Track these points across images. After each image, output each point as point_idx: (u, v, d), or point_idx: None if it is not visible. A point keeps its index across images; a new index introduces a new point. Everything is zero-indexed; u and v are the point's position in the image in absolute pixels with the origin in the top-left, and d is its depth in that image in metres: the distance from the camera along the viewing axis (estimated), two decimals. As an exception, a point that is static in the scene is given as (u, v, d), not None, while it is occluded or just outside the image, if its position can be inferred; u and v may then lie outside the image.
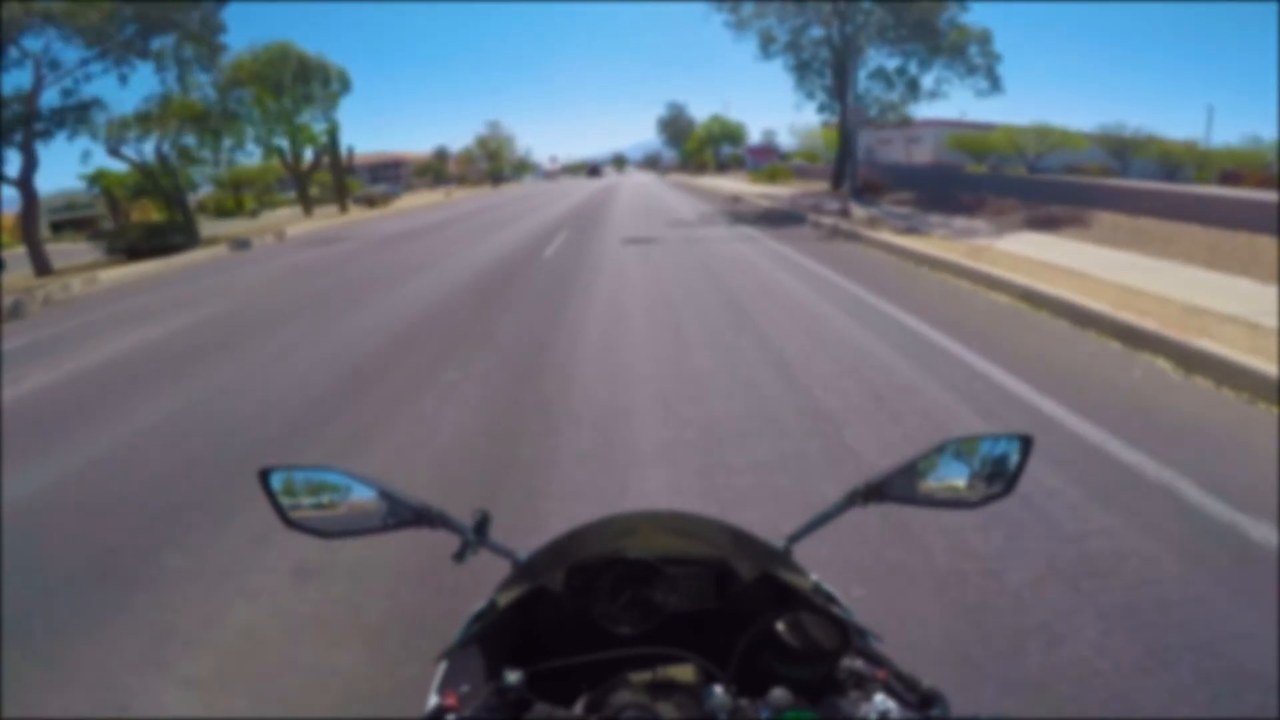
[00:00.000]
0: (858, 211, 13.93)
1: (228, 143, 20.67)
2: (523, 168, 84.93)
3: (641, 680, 0.68)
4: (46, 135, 14.11)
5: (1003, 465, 0.92)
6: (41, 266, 14.52)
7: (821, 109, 21.43)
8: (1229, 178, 25.36)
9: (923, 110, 23.03)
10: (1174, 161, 30.48)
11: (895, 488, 0.92)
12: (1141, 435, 3.22)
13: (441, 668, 0.86)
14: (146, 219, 23.76)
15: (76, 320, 8.74)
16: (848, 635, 0.71)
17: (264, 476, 0.88)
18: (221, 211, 40.70)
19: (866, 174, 19.85)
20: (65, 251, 20.14)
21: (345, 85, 25.26)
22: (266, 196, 45.15)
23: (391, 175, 68.92)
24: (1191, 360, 4.23)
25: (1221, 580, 2.19)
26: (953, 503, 0.93)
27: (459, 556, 0.93)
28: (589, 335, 5.63)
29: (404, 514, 0.89)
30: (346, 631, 2.18)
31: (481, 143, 72.01)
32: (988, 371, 4.26)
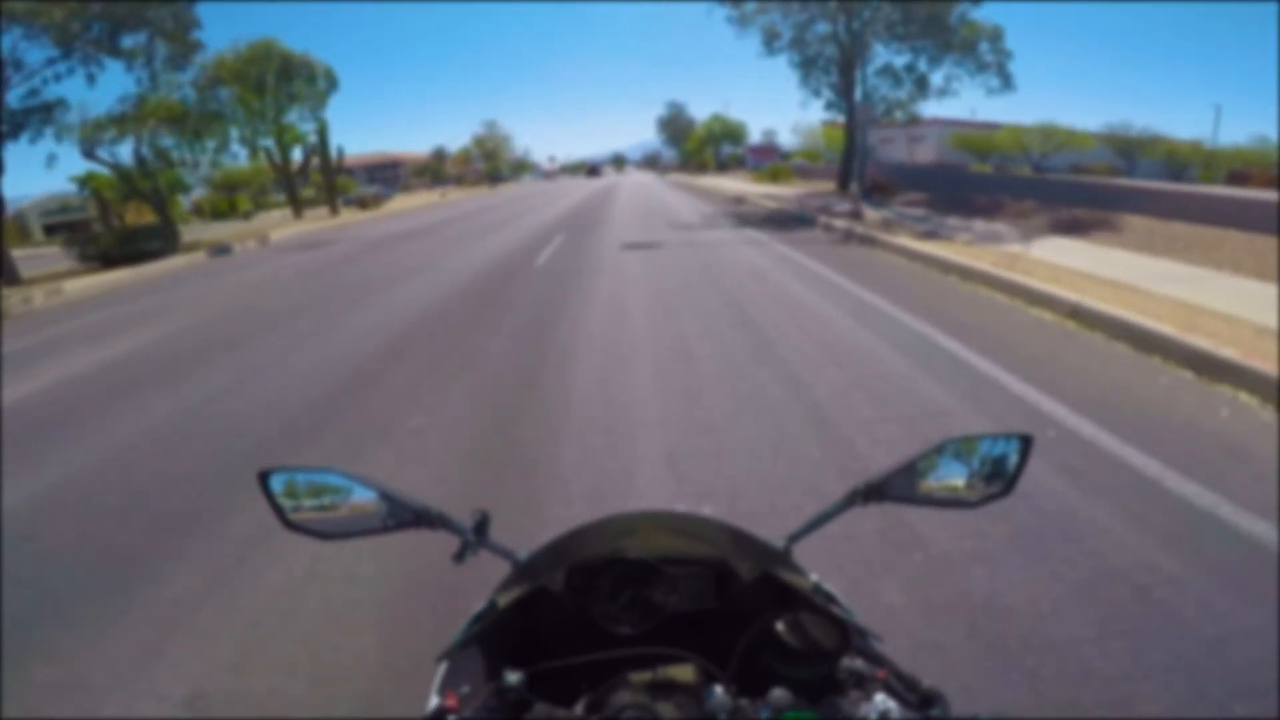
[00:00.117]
0: (869, 213, 13.22)
1: (211, 144, 19.89)
2: (521, 168, 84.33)
3: (641, 680, 0.67)
4: (12, 138, 13.30)
5: (1002, 465, 0.92)
6: (10, 275, 13.75)
7: (829, 106, 20.71)
8: (1237, 178, 25.12)
9: (930, 108, 22.48)
10: (1180, 161, 30.29)
11: (895, 487, 0.91)
12: (1255, 496, 2.62)
13: (442, 668, 0.87)
14: (141, 221, 22.97)
15: (28, 339, 7.98)
16: (848, 635, 0.71)
17: (263, 478, 0.88)
18: (217, 214, 40.12)
19: (874, 173, 19.17)
20: (48, 257, 19.33)
21: (332, 83, 24.35)
22: (262, 198, 44.44)
23: (390, 176, 68.25)
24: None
25: None
26: (952, 502, 0.92)
27: (459, 557, 0.93)
28: (582, 368, 4.87)
29: (404, 515, 0.89)
30: None
31: (478, 142, 71.22)
32: (1056, 413, 3.57)
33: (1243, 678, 1.78)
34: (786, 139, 56.62)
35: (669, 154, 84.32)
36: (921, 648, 1.94)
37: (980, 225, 11.72)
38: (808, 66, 20.79)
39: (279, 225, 24.36)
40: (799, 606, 0.76)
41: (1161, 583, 2.16)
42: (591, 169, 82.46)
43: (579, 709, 0.67)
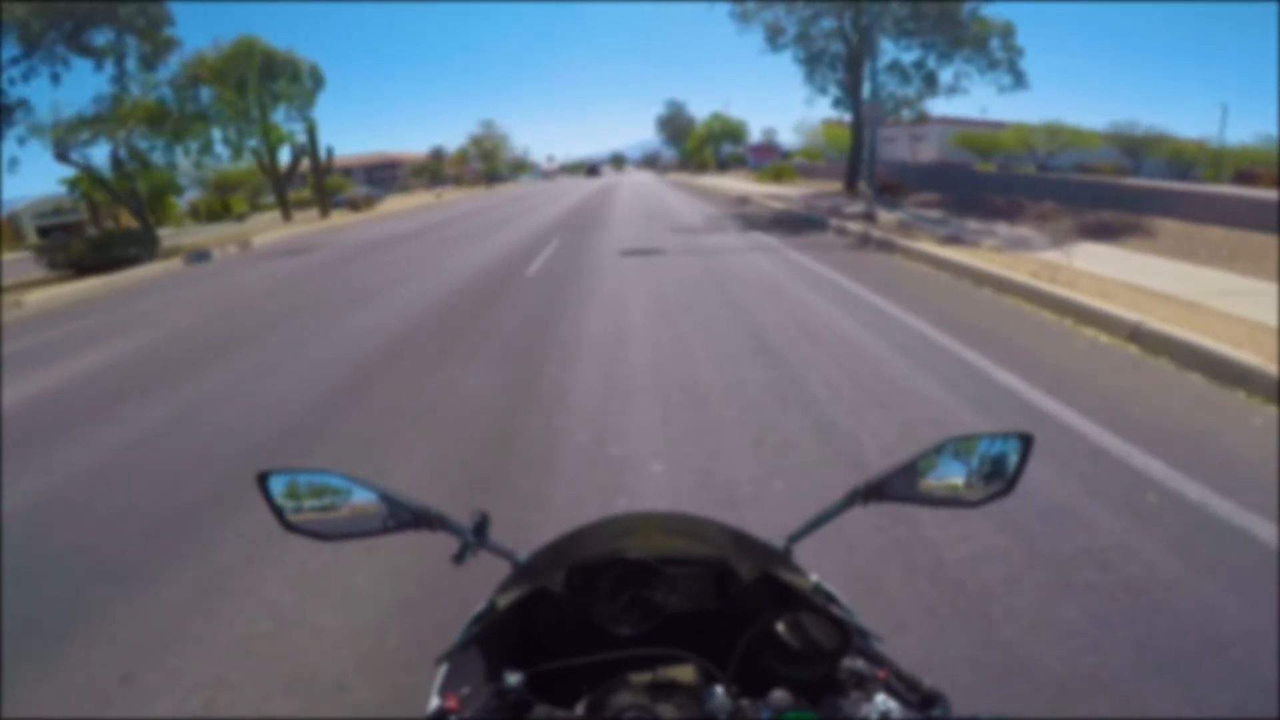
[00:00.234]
0: (883, 215, 12.50)
1: (195, 145, 19.09)
2: (520, 167, 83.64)
3: (642, 681, 0.67)
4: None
5: (1001, 464, 0.91)
6: (-23, 284, 13.02)
7: (836, 104, 20.03)
8: (1244, 177, 24.83)
9: (939, 106, 21.87)
10: (1186, 160, 30.08)
11: (895, 487, 0.90)
12: None
13: (442, 670, 0.87)
14: (134, 224, 22.14)
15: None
16: (848, 635, 0.70)
17: (262, 480, 0.87)
18: (213, 215, 39.45)
19: (881, 173, 18.50)
20: (29, 263, 18.52)
21: (319, 81, 23.43)
22: (258, 200, 43.70)
23: (388, 176, 67.53)
24: None
25: None
26: (952, 502, 0.91)
27: (458, 558, 0.93)
28: (573, 415, 4.09)
29: (404, 516, 0.89)
30: None
31: (476, 142, 70.34)
32: (1150, 470, 2.93)
33: None
34: (787, 138, 56.07)
35: (668, 153, 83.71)
36: None
37: (1003, 229, 11.01)
38: (813, 63, 20.14)
39: (265, 229, 23.54)
40: (799, 607, 0.76)
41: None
42: (591, 169, 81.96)
43: (579, 710, 0.66)
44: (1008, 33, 20.05)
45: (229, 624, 2.32)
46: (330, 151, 29.50)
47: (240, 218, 37.54)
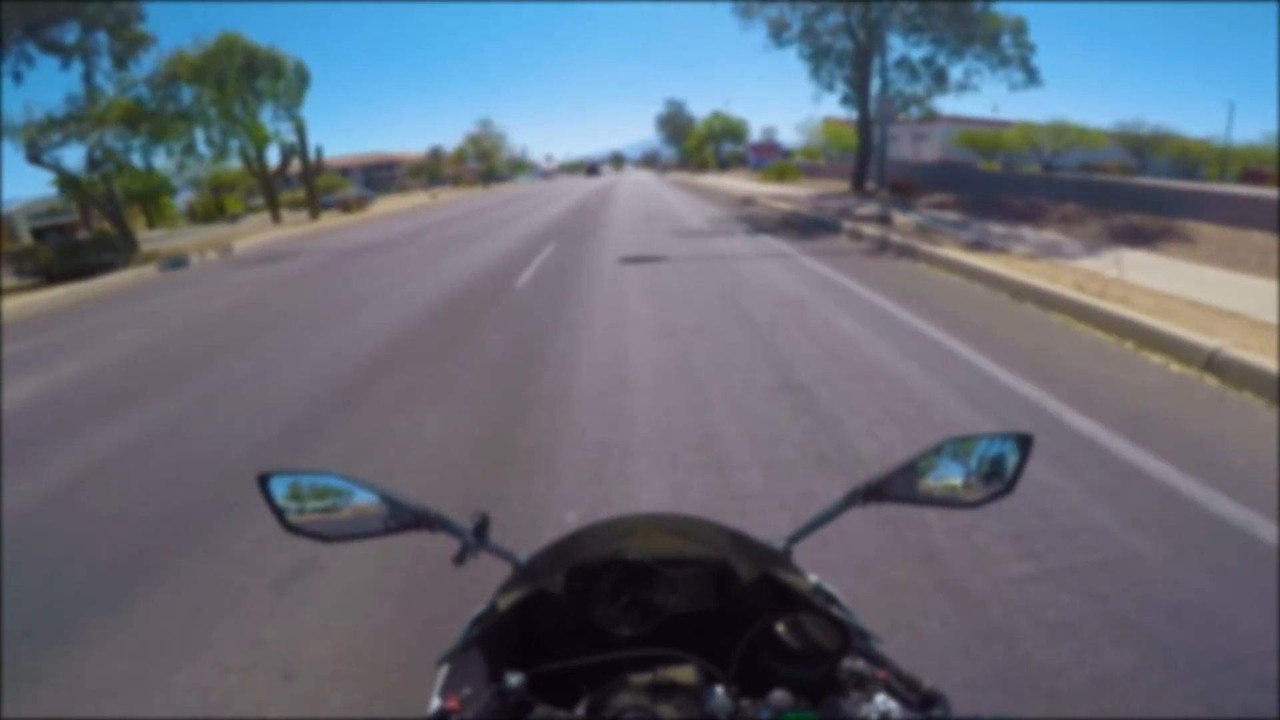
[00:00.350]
0: (898, 217, 11.80)
1: (178, 146, 18.32)
2: (519, 167, 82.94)
3: (642, 682, 0.67)
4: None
5: (1000, 465, 0.89)
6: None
7: (845, 101, 19.35)
8: (1252, 176, 24.36)
9: (949, 104, 21.22)
10: (1193, 159, 29.75)
11: (895, 487, 0.89)
12: None
13: (443, 671, 0.86)
14: (130, 225, 21.38)
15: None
16: (848, 636, 0.69)
17: (263, 481, 0.86)
18: (208, 217, 38.79)
19: (892, 173, 17.82)
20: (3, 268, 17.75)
21: (304, 78, 22.55)
22: (252, 201, 42.95)
23: (386, 176, 66.87)
24: None
25: None
26: (952, 502, 0.90)
27: (459, 559, 0.92)
28: (562, 470, 3.39)
29: (404, 517, 0.89)
30: None
31: (473, 141, 69.53)
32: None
33: None
34: (788, 136, 55.45)
35: (668, 152, 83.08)
36: None
37: (1029, 233, 10.31)
38: (819, 59, 19.45)
39: (250, 232, 22.75)
40: (799, 607, 0.75)
41: None
42: (590, 168, 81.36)
43: (580, 711, 0.65)
44: (1019, 29, 19.39)
45: None
46: (320, 151, 28.71)
47: (234, 219, 36.80)
